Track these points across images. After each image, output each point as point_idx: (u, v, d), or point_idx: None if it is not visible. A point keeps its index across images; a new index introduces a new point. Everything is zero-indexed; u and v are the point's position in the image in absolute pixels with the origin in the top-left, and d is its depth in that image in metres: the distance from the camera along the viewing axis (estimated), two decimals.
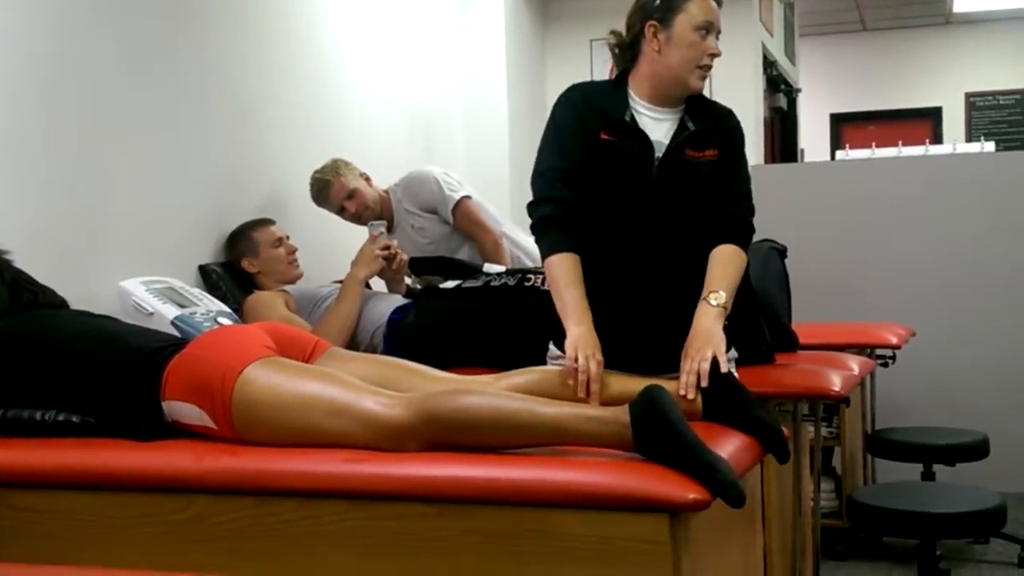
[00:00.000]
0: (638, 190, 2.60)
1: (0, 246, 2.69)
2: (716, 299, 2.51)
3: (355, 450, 2.15)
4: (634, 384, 2.39)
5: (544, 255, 2.62)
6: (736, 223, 2.65)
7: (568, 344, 2.49)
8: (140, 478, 2.22)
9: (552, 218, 2.61)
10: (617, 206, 2.62)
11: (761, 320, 3.28)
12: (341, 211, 4.10)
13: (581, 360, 2.44)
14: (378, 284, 3.88)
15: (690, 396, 2.36)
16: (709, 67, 2.64)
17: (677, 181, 2.61)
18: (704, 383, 2.37)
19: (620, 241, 2.63)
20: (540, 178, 2.65)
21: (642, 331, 2.62)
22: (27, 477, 2.29)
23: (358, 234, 3.96)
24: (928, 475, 4.37)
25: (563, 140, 2.63)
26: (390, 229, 4.05)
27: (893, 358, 4.41)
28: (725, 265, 2.59)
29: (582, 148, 2.60)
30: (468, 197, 4.10)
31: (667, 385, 2.21)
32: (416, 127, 5.34)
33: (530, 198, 2.66)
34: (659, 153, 2.61)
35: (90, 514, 2.25)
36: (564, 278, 2.57)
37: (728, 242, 2.62)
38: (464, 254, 4.06)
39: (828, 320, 4.55)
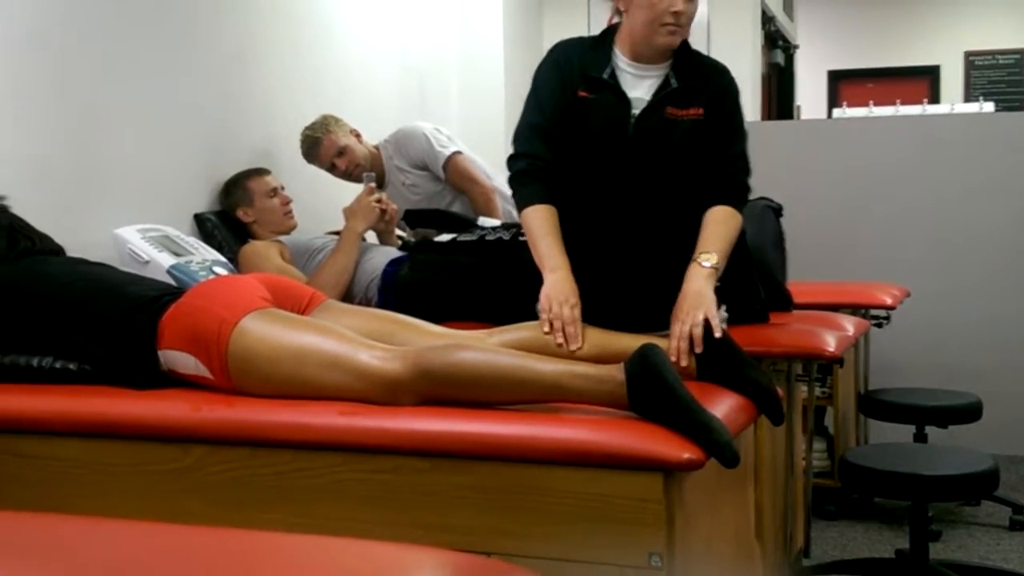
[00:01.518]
0: (614, 147, 2.60)
1: None
2: (707, 260, 2.50)
3: (350, 403, 2.16)
4: (626, 341, 2.39)
5: (520, 208, 2.66)
6: (730, 184, 2.64)
7: (542, 294, 2.50)
8: (136, 426, 2.23)
9: (527, 172, 2.65)
10: (595, 163, 2.62)
11: (756, 279, 3.28)
12: (332, 168, 4.09)
13: (555, 307, 2.45)
14: (369, 236, 3.86)
15: (683, 363, 2.34)
16: (675, 24, 2.59)
17: (654, 139, 2.60)
18: (698, 349, 2.35)
19: (600, 198, 2.63)
20: (519, 133, 2.69)
21: (625, 289, 2.62)
22: (23, 423, 2.30)
23: (351, 187, 3.94)
24: (920, 437, 4.38)
25: (541, 97, 2.66)
26: (381, 185, 4.03)
27: (888, 318, 4.42)
28: (718, 226, 2.57)
29: (560, 106, 2.62)
30: (459, 152, 4.09)
31: (659, 343, 2.21)
32: (410, 80, 5.30)
33: None
34: (637, 110, 2.60)
35: (86, 461, 2.25)
36: (539, 228, 2.58)
37: (721, 203, 2.61)
38: (456, 210, 4.05)
39: (823, 279, 4.55)
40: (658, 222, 2.62)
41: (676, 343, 2.36)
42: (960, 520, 4.38)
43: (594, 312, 2.49)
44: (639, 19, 2.60)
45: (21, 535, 1.54)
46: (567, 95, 2.62)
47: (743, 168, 2.68)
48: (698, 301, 2.41)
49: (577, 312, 2.45)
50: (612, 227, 2.62)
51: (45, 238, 2.66)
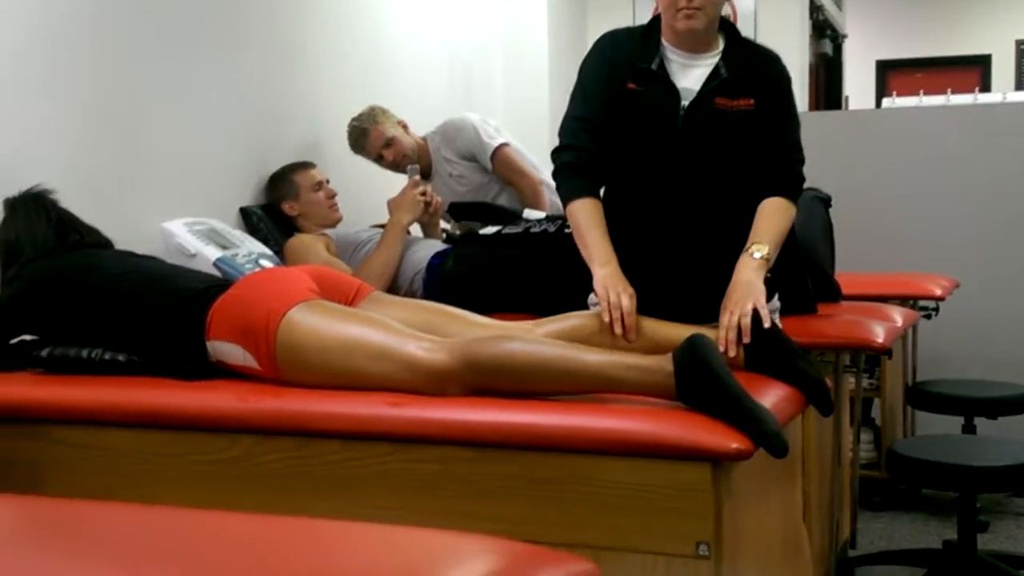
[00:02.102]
0: (664, 139, 2.57)
1: (45, 186, 2.70)
2: (758, 251, 2.47)
3: (398, 393, 2.16)
4: (675, 331, 2.37)
5: (565, 202, 2.64)
6: (783, 174, 2.61)
7: (597, 285, 2.49)
8: (184, 417, 2.24)
9: (572, 165, 2.63)
10: (644, 155, 2.60)
11: (804, 270, 3.25)
12: (379, 159, 4.10)
13: (612, 297, 2.44)
14: (414, 230, 3.87)
15: (731, 353, 2.31)
16: (689, 8, 2.54)
17: (705, 130, 2.57)
18: (746, 339, 2.34)
19: (649, 189, 2.61)
20: (564, 127, 2.67)
21: (675, 280, 2.60)
22: (73, 413, 2.32)
23: (397, 179, 3.95)
24: (969, 428, 4.33)
25: (587, 91, 2.64)
26: (427, 176, 4.04)
27: (936, 309, 4.37)
28: (770, 217, 2.55)
29: (607, 100, 2.60)
30: (506, 144, 4.08)
31: (707, 334, 2.20)
32: (456, 70, 5.30)
33: None
34: (687, 101, 2.57)
35: (134, 451, 2.28)
36: (586, 222, 2.57)
37: (775, 194, 2.57)
38: (503, 201, 4.05)
39: (872, 270, 4.51)
40: (709, 213, 2.60)
41: (725, 333, 2.35)
42: (1008, 511, 4.33)
43: (644, 303, 2.48)
44: (660, 5, 2.59)
45: (71, 522, 1.55)
46: (615, 87, 2.59)
47: (797, 158, 2.65)
48: (747, 291, 2.39)
49: (634, 303, 2.45)
50: (663, 218, 2.60)
51: (93, 231, 2.69)
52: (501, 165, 4.06)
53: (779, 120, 2.62)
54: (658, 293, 2.54)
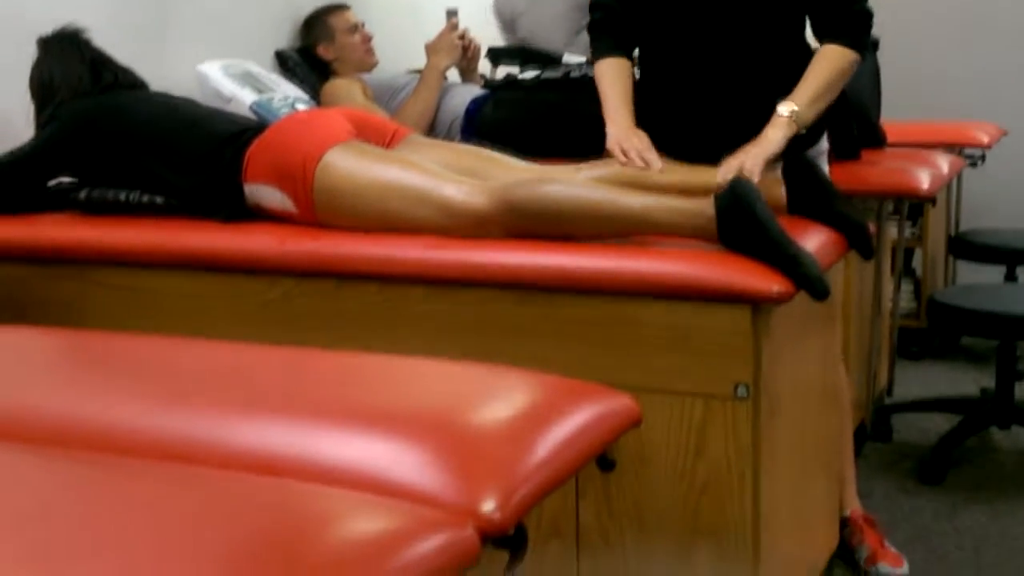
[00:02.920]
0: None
1: (78, 25, 2.66)
2: (785, 107, 2.33)
3: (436, 236, 2.15)
4: (711, 176, 2.33)
5: (593, 61, 2.58)
6: (838, 16, 2.42)
7: (608, 143, 2.43)
8: (223, 259, 2.25)
9: (600, 23, 2.57)
10: (676, 6, 2.48)
11: (850, 115, 3.18)
12: None
13: (624, 143, 2.39)
14: (452, 75, 3.80)
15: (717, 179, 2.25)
16: None
17: None
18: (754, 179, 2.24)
19: (686, 42, 2.49)
20: None
21: (706, 127, 2.52)
22: (114, 255, 2.34)
23: (433, 22, 3.86)
24: (1011, 278, 4.30)
25: None
26: None
27: (983, 158, 4.29)
28: (815, 68, 2.38)
29: None
30: None
31: None
32: None
33: None
34: None
35: (173, 293, 2.29)
36: (607, 83, 2.51)
37: (830, 39, 2.40)
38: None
39: (918, 118, 4.42)
40: (746, 61, 2.49)
41: (722, 174, 2.27)
42: None
43: (678, 150, 2.43)
44: None
45: (109, 352, 1.57)
46: None
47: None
48: (761, 144, 2.29)
49: (647, 141, 2.39)
50: (700, 68, 2.50)
51: (128, 72, 2.66)
52: None
53: None
54: (693, 139, 2.48)
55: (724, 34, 2.45)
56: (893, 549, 2.65)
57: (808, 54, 2.44)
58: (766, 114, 2.36)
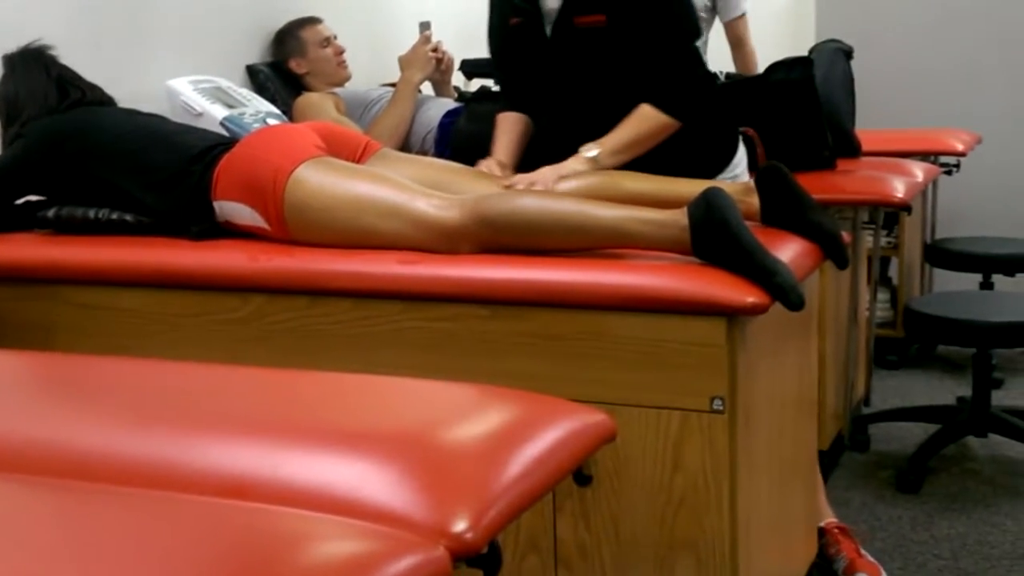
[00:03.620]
0: (545, 65, 2.56)
1: (44, 42, 2.64)
2: (589, 150, 2.43)
3: (409, 252, 2.13)
4: (685, 186, 2.33)
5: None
6: (660, 84, 2.47)
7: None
8: (195, 277, 2.23)
9: (502, 92, 2.80)
10: (544, 82, 2.60)
11: (824, 124, 3.19)
12: None
13: (487, 168, 2.54)
14: (426, 89, 3.79)
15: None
16: None
17: (568, 51, 2.52)
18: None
19: (555, 111, 2.62)
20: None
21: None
22: (82, 274, 2.31)
23: (407, 36, 3.85)
24: (987, 285, 4.31)
25: (490, 28, 2.71)
26: None
27: (958, 165, 4.31)
28: (628, 122, 2.46)
29: (503, 36, 2.67)
30: None
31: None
32: None
33: None
34: (550, 25, 2.52)
35: (145, 312, 2.27)
36: (496, 130, 2.69)
37: (651, 102, 2.46)
38: None
39: (893, 126, 4.43)
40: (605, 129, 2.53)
41: (517, 179, 2.40)
42: (1022, 368, 4.34)
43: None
44: None
45: (81, 375, 1.55)
46: (504, 27, 2.63)
47: (681, 67, 2.51)
48: (554, 168, 2.41)
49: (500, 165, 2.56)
50: (568, 134, 2.55)
51: (95, 89, 2.63)
52: None
53: (645, 31, 2.47)
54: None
55: (581, 106, 2.56)
56: (870, 558, 2.65)
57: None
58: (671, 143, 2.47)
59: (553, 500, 2.02)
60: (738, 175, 2.61)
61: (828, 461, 3.30)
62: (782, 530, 2.31)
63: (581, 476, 1.35)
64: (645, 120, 2.47)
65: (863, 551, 2.65)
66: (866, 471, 3.35)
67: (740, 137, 2.70)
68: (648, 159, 2.46)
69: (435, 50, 3.60)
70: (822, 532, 2.66)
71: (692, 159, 2.52)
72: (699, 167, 2.50)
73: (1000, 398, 3.82)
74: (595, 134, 2.49)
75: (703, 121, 2.54)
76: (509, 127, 2.70)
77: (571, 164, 2.43)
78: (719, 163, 2.59)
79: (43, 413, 1.41)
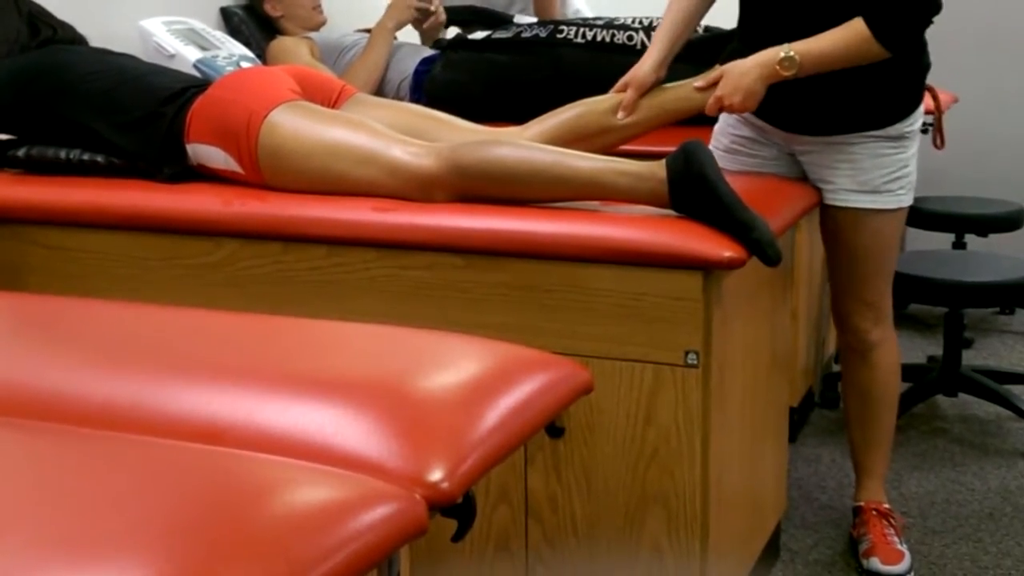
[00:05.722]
0: None
1: None
2: (786, 50, 2.19)
3: (384, 199, 2.11)
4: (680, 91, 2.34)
5: None
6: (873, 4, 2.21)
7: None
8: (167, 220, 2.20)
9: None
10: None
11: None
12: None
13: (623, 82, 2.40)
14: (415, 38, 3.74)
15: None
16: None
17: None
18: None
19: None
20: None
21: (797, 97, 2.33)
22: (52, 215, 2.28)
23: None
24: (959, 245, 4.33)
25: None
26: None
27: (933, 124, 4.30)
28: (833, 33, 2.21)
29: None
30: None
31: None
32: None
33: None
34: None
35: (118, 254, 2.24)
36: (665, 17, 2.45)
37: (864, 18, 2.20)
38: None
39: None
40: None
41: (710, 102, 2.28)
42: (993, 328, 4.38)
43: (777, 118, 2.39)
44: None
45: (52, 317, 1.52)
46: None
47: None
48: (736, 82, 2.24)
49: (641, 83, 2.37)
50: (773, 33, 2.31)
51: (66, 26, 2.58)
52: None
53: None
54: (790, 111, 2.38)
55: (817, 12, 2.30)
56: (898, 545, 2.55)
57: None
58: (854, 82, 2.29)
59: (525, 452, 2.02)
60: (914, 131, 2.44)
61: (798, 418, 3.32)
62: (753, 484, 2.32)
63: (553, 428, 1.35)
64: (856, 37, 2.20)
65: (893, 538, 2.56)
66: (836, 428, 3.37)
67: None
68: (829, 91, 2.29)
69: (425, 1, 3.53)
70: (858, 511, 2.62)
71: (876, 100, 2.35)
72: (881, 110, 2.35)
73: (970, 358, 3.84)
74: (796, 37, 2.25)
75: (909, 54, 2.34)
76: (671, 21, 2.43)
77: (766, 56, 2.21)
78: (903, 109, 2.40)
79: (12, 354, 1.39)
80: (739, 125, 2.47)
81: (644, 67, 2.39)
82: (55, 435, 1.15)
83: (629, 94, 2.38)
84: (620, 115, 2.38)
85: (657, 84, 2.40)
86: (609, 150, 2.31)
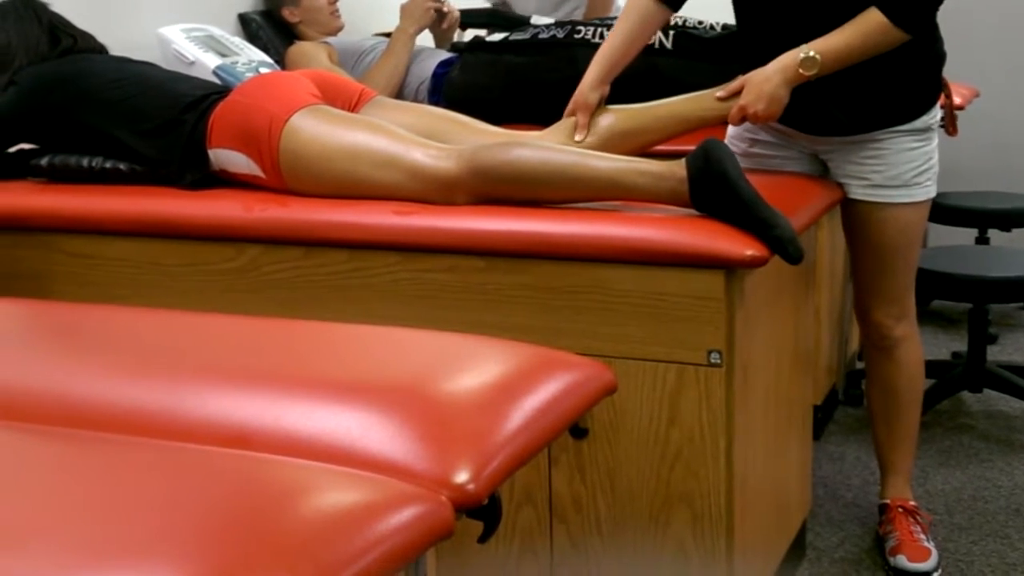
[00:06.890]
0: None
1: None
2: (805, 51, 2.18)
3: (405, 202, 2.12)
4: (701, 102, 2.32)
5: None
6: None
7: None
8: (190, 227, 2.21)
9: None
10: None
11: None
12: None
13: (574, 104, 2.39)
14: (427, 41, 3.75)
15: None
16: None
17: None
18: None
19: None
20: None
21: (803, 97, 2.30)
22: (78, 223, 2.29)
23: None
24: (982, 240, 4.31)
25: None
26: None
27: (944, 115, 4.28)
28: (846, 26, 2.19)
29: None
30: None
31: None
32: None
33: None
34: None
35: (140, 261, 2.25)
36: (616, 25, 2.43)
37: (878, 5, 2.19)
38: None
39: None
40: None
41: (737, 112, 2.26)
42: (1018, 324, 4.35)
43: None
44: None
45: (78, 323, 1.53)
46: None
47: None
48: (759, 90, 2.22)
49: (595, 101, 2.37)
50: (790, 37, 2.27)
51: (87, 36, 2.60)
52: None
53: None
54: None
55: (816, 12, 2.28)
56: (925, 543, 2.53)
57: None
58: (876, 78, 2.27)
59: (548, 453, 2.02)
60: (936, 121, 2.41)
61: (822, 415, 3.31)
62: (778, 483, 2.31)
63: (577, 429, 1.35)
64: (872, 26, 2.18)
65: (919, 535, 2.54)
66: (860, 426, 3.35)
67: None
68: (854, 90, 2.27)
69: (438, 2, 3.55)
70: (884, 508, 2.60)
71: (900, 94, 2.33)
72: (906, 104, 2.34)
73: (995, 353, 3.82)
74: (811, 37, 2.22)
75: (927, 36, 2.30)
76: (626, 26, 2.40)
77: (786, 60, 2.19)
78: (927, 101, 2.37)
79: (41, 362, 1.40)
80: (757, 129, 2.46)
81: (583, 89, 2.39)
82: (84, 442, 1.16)
83: (579, 117, 2.38)
84: (578, 136, 2.37)
85: (601, 102, 2.39)
86: None
